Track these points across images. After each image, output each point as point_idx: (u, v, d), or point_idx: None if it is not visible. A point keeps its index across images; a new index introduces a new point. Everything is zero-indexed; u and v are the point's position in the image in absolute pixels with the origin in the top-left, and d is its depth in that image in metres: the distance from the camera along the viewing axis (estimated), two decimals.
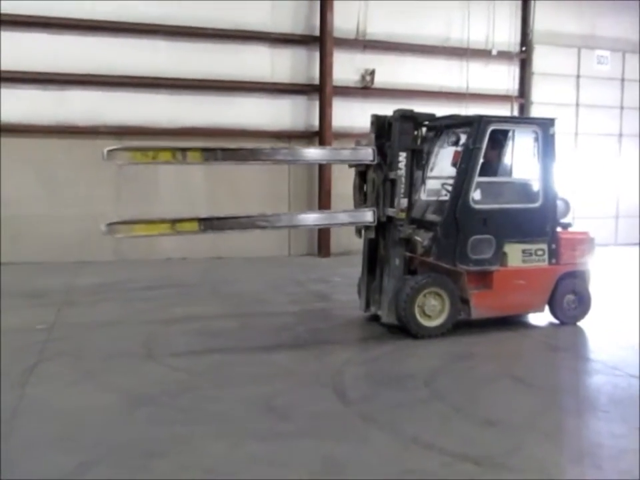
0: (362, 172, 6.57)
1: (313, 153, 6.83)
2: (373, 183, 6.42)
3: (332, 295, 8.65)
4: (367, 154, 6.37)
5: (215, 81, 11.68)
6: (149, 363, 5.62)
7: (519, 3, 13.76)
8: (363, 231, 6.62)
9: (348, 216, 6.49)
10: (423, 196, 7.18)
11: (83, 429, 4.21)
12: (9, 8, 10.43)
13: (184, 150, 5.69)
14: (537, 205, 6.76)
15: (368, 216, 6.37)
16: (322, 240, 12.42)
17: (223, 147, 5.89)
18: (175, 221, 5.63)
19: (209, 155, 5.77)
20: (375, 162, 6.35)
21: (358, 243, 7.09)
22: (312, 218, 6.58)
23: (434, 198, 7.04)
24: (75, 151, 11.03)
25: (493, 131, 6.55)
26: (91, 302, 8.06)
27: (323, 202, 12.15)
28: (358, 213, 6.46)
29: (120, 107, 11.24)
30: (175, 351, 6.00)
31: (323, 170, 12.14)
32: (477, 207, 6.49)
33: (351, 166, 6.62)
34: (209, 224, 5.75)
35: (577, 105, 14.29)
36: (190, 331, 6.73)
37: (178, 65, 11.44)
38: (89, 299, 8.23)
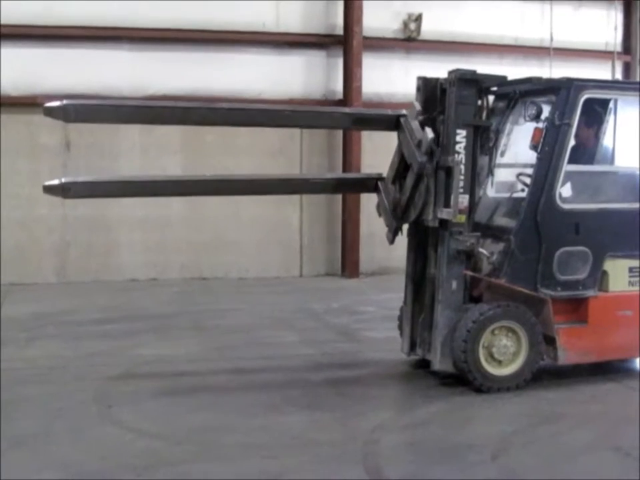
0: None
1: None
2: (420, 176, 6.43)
3: (362, 332, 8.67)
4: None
5: (197, 31, 11.79)
6: (104, 426, 5.64)
7: None
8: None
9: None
10: (491, 191, 7.19)
11: None
12: None
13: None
14: None
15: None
16: (348, 254, 12.49)
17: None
18: None
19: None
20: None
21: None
22: None
23: (506, 194, 7.06)
24: (4, 129, 11.17)
25: (588, 101, 6.56)
26: (26, 339, 8.15)
27: None
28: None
29: (65, 68, 11.34)
30: (141, 408, 6.03)
31: (349, 141, 12.23)
32: (567, 207, 6.50)
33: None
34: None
35: None
36: (162, 380, 6.76)
37: (145, 9, 11.55)
38: (23, 334, 8.31)
